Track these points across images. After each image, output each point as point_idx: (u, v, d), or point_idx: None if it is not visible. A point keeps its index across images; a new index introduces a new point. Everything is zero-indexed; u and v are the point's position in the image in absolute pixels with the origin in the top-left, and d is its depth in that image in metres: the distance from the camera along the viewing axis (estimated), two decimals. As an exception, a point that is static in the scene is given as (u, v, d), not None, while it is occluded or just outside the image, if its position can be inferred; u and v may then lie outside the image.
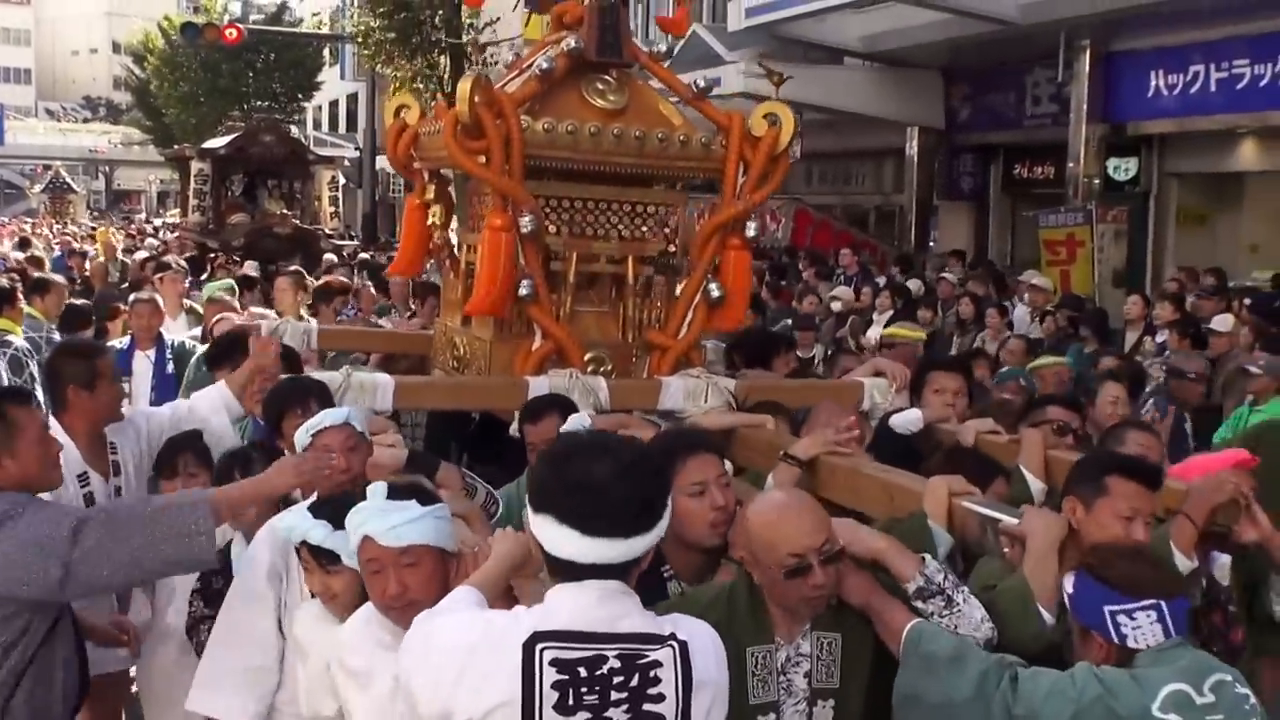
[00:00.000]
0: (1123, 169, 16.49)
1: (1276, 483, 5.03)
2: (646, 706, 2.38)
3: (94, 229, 34.24)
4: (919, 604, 2.97)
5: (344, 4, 46.28)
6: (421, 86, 22.95)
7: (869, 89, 19.77)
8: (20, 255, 18.24)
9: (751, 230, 5.28)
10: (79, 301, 10.36)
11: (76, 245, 24.00)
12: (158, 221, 42.55)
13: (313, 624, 3.29)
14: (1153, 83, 15.92)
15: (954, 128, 20.05)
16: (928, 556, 3.08)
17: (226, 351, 5.66)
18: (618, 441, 2.74)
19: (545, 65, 5.05)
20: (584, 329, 5.23)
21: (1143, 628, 2.64)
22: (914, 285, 14.94)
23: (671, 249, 5.35)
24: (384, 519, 2.93)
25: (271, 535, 3.61)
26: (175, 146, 35.47)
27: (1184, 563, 3.38)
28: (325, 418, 3.83)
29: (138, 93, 60.59)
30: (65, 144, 73.21)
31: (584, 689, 2.36)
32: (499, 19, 22.31)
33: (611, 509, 2.40)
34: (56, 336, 8.64)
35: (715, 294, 5.17)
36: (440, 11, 24.02)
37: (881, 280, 15.85)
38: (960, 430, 4.76)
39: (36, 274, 12.65)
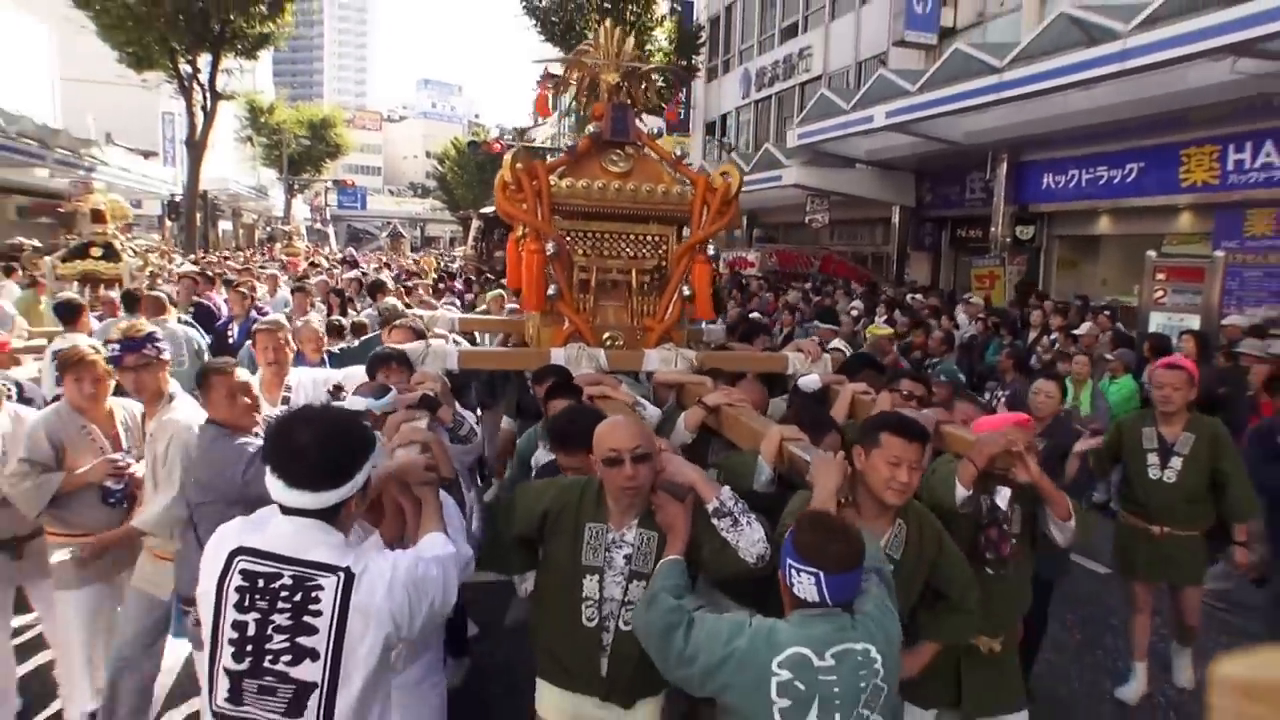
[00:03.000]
0: (1025, 233, 16.09)
1: (1136, 454, 4.72)
2: (305, 618, 2.03)
3: (417, 259, 35.43)
4: (716, 521, 2.59)
5: (560, 129, 47.22)
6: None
7: (869, 182, 19.45)
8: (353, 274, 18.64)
9: (711, 250, 4.89)
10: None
11: (412, 268, 24.68)
12: (454, 253, 43.51)
13: None
14: (1045, 180, 15.64)
15: (921, 206, 19.67)
16: (726, 488, 2.66)
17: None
18: (328, 414, 2.27)
19: (570, 144, 4.87)
20: (605, 317, 4.94)
21: (805, 585, 2.17)
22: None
23: (662, 264, 5.01)
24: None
25: None
26: (461, 211, 36.50)
27: (962, 492, 3.02)
28: (350, 404, 3.16)
29: (440, 180, 62.88)
30: (398, 209, 75.51)
31: (258, 596, 2.04)
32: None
33: (306, 468, 2.07)
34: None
35: (686, 293, 4.89)
36: None
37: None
38: (842, 389, 4.25)
39: (374, 279, 12.52)
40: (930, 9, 18.55)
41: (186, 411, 3.65)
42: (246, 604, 2.04)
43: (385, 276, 15.38)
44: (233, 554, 2.08)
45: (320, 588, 2.05)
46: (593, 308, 4.90)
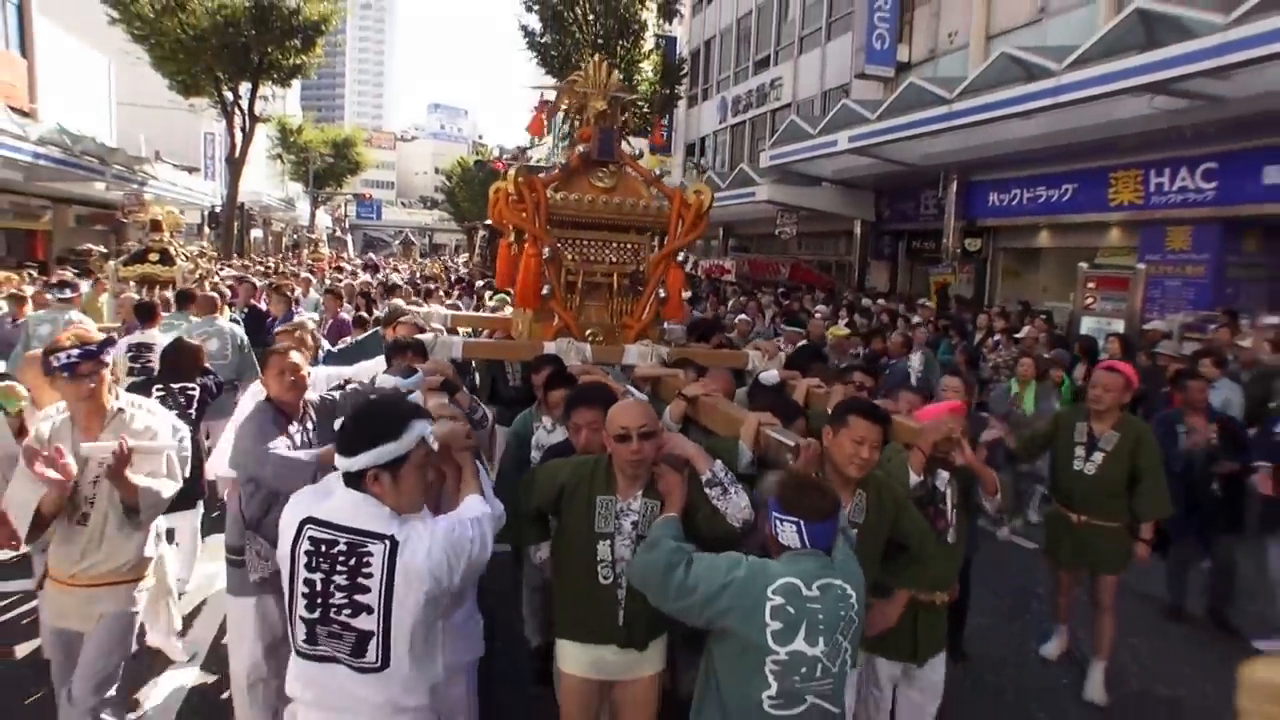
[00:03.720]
0: (973, 245, 16.13)
1: (1065, 446, 4.66)
2: (360, 579, 2.15)
3: (425, 263, 35.38)
4: (708, 490, 2.66)
5: (554, 149, 47.02)
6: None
7: (834, 198, 19.41)
8: (374, 279, 18.54)
9: (680, 256, 4.89)
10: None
11: (424, 272, 24.39)
12: (457, 259, 43.30)
13: None
14: (991, 198, 15.65)
15: (880, 220, 19.64)
16: (719, 461, 2.73)
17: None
18: (378, 400, 2.40)
19: (563, 162, 4.89)
20: (588, 315, 4.91)
21: (788, 533, 2.30)
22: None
23: (640, 269, 4.97)
24: None
25: None
26: (466, 222, 36.27)
27: (914, 478, 3.12)
28: (382, 382, 3.13)
29: (447, 194, 62.53)
30: (410, 219, 74.09)
31: (321, 559, 2.17)
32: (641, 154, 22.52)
33: (345, 438, 2.22)
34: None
35: (662, 295, 4.86)
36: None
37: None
38: (799, 383, 4.21)
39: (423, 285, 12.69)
40: (888, 45, 18.65)
41: (148, 413, 3.32)
42: (313, 565, 2.19)
43: (398, 279, 15.66)
44: (303, 522, 2.22)
45: (370, 553, 2.17)
46: (578, 306, 4.90)
